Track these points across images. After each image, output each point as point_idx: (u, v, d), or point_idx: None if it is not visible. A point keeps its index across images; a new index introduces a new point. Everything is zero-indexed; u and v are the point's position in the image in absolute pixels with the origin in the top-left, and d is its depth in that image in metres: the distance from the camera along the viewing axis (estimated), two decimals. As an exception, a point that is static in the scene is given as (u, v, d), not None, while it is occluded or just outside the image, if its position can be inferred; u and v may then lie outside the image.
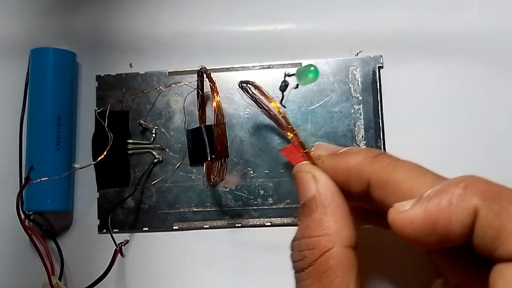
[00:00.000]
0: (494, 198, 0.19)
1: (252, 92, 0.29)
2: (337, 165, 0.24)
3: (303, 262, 0.22)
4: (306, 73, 0.30)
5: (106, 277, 0.30)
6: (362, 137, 0.32)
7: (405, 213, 0.20)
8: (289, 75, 0.31)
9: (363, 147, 0.31)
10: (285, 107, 0.32)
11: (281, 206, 0.32)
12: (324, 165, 0.25)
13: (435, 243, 0.20)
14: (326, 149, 0.26)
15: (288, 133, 0.28)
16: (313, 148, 0.26)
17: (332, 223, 0.22)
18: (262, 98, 0.29)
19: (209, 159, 0.31)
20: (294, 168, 0.26)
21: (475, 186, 0.19)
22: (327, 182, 0.24)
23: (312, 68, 0.31)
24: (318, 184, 0.24)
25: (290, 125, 0.28)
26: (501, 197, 0.19)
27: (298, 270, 0.23)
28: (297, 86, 0.31)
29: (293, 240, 0.24)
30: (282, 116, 0.28)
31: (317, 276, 0.22)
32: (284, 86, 0.31)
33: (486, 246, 0.19)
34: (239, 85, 0.29)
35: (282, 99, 0.32)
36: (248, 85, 0.29)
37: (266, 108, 0.29)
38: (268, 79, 0.33)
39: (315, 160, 0.25)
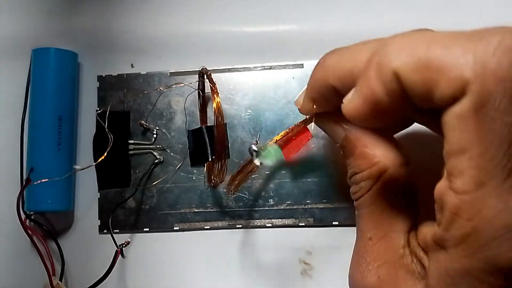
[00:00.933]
0: (408, 55, 0.19)
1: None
2: (311, 97, 0.25)
3: (360, 189, 0.23)
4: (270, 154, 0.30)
5: (107, 278, 0.30)
6: (364, 138, 0.32)
7: (348, 106, 0.21)
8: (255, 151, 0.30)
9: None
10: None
11: (281, 208, 0.32)
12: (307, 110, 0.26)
13: (388, 119, 0.21)
14: (302, 95, 0.26)
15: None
16: (297, 106, 0.27)
17: (377, 151, 0.23)
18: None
19: (210, 160, 0.31)
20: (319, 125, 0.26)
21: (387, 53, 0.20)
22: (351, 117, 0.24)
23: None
24: (344, 123, 0.24)
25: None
26: (415, 53, 0.19)
27: (358, 197, 0.24)
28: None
29: (348, 178, 0.25)
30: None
31: (373, 200, 0.23)
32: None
33: (425, 101, 0.19)
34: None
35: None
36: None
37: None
38: (269, 80, 0.33)
39: (317, 112, 0.26)
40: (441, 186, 0.19)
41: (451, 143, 0.18)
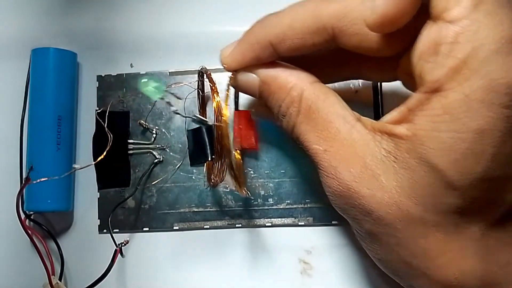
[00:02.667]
0: None
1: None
2: (242, 52, 0.26)
3: (290, 117, 0.25)
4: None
5: (106, 277, 0.30)
6: (363, 137, 0.32)
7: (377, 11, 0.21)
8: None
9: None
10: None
11: (281, 207, 0.32)
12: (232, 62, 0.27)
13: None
14: (230, 47, 0.27)
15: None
16: (220, 57, 0.27)
17: (289, 78, 0.25)
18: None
19: (209, 159, 0.31)
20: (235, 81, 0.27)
21: None
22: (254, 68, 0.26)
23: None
24: (256, 71, 0.26)
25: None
26: None
27: (290, 126, 0.25)
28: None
29: (275, 115, 0.26)
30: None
31: (307, 118, 0.24)
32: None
33: None
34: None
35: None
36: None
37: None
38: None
39: (228, 67, 0.27)
40: (432, 32, 0.20)
41: None
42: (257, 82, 0.26)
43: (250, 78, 0.26)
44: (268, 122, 0.29)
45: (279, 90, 0.25)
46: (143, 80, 0.31)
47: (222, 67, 0.27)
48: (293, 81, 0.24)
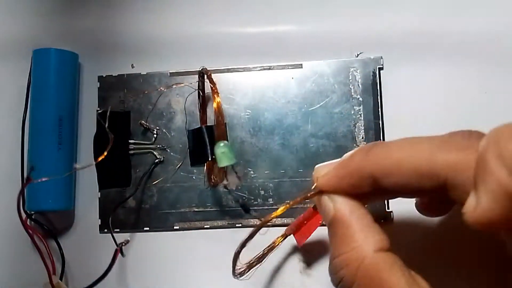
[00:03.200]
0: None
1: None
2: (339, 174, 0.24)
3: (343, 283, 0.22)
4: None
5: (107, 276, 0.30)
6: (362, 138, 0.32)
7: (480, 213, 0.18)
8: None
9: (356, 148, 0.29)
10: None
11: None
12: (326, 185, 0.24)
13: None
14: (327, 167, 0.25)
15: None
16: (313, 173, 0.25)
17: (357, 234, 0.22)
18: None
19: (209, 159, 0.31)
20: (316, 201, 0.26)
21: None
22: (341, 198, 0.24)
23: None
24: (334, 203, 0.24)
25: None
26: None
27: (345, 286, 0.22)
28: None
29: (329, 265, 0.23)
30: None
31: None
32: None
33: None
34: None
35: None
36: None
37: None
38: (268, 80, 0.33)
39: (320, 188, 0.25)
40: None
41: None
42: (332, 214, 0.24)
43: (328, 208, 0.24)
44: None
45: (341, 241, 0.23)
46: (221, 145, 0.30)
47: (313, 180, 0.25)
48: (358, 242, 0.22)
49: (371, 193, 0.23)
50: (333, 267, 0.23)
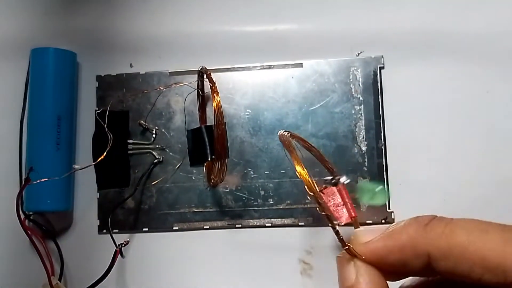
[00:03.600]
0: None
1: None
2: (387, 246, 0.21)
3: None
4: (373, 193, 0.28)
5: (106, 277, 0.30)
6: (363, 137, 0.32)
7: None
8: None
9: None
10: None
11: (281, 207, 0.32)
12: (369, 254, 0.21)
13: None
14: (370, 235, 0.22)
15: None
16: (352, 237, 0.22)
17: None
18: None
19: (209, 159, 0.31)
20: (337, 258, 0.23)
21: None
22: (369, 274, 0.21)
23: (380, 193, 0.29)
24: (358, 272, 0.21)
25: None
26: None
27: None
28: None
29: None
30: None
31: None
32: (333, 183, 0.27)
33: None
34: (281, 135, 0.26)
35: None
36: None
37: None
38: (268, 80, 0.33)
39: (356, 254, 0.21)
40: None
41: None
42: (350, 284, 0.21)
43: (348, 275, 0.21)
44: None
45: None
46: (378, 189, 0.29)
47: (344, 247, 0.22)
48: None
49: (416, 272, 0.21)
50: None
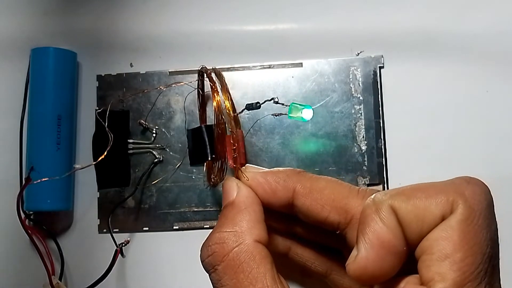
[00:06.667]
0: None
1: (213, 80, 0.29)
2: (266, 175, 0.26)
3: (213, 257, 0.23)
4: (300, 110, 0.29)
5: (107, 277, 0.30)
6: (363, 137, 0.32)
7: (357, 261, 0.20)
8: (277, 103, 0.29)
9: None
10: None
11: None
12: (249, 182, 0.26)
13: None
14: (255, 169, 0.27)
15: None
16: (243, 168, 0.27)
17: (244, 222, 0.24)
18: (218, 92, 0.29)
19: (209, 159, 0.31)
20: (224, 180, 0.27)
21: None
22: (247, 190, 0.25)
23: (306, 109, 0.29)
24: (239, 191, 0.25)
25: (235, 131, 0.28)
26: None
27: (210, 268, 0.23)
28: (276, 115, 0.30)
29: (206, 239, 0.24)
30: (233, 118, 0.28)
31: (232, 272, 0.22)
32: (256, 106, 0.30)
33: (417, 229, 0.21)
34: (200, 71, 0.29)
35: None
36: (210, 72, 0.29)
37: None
38: (268, 79, 0.33)
39: (240, 176, 0.26)
40: None
41: (435, 252, 0.20)
42: (232, 198, 0.25)
43: (231, 190, 0.26)
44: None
45: (228, 221, 0.24)
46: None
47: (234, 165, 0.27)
48: (243, 228, 0.23)
49: (281, 206, 0.25)
50: (209, 239, 0.23)
